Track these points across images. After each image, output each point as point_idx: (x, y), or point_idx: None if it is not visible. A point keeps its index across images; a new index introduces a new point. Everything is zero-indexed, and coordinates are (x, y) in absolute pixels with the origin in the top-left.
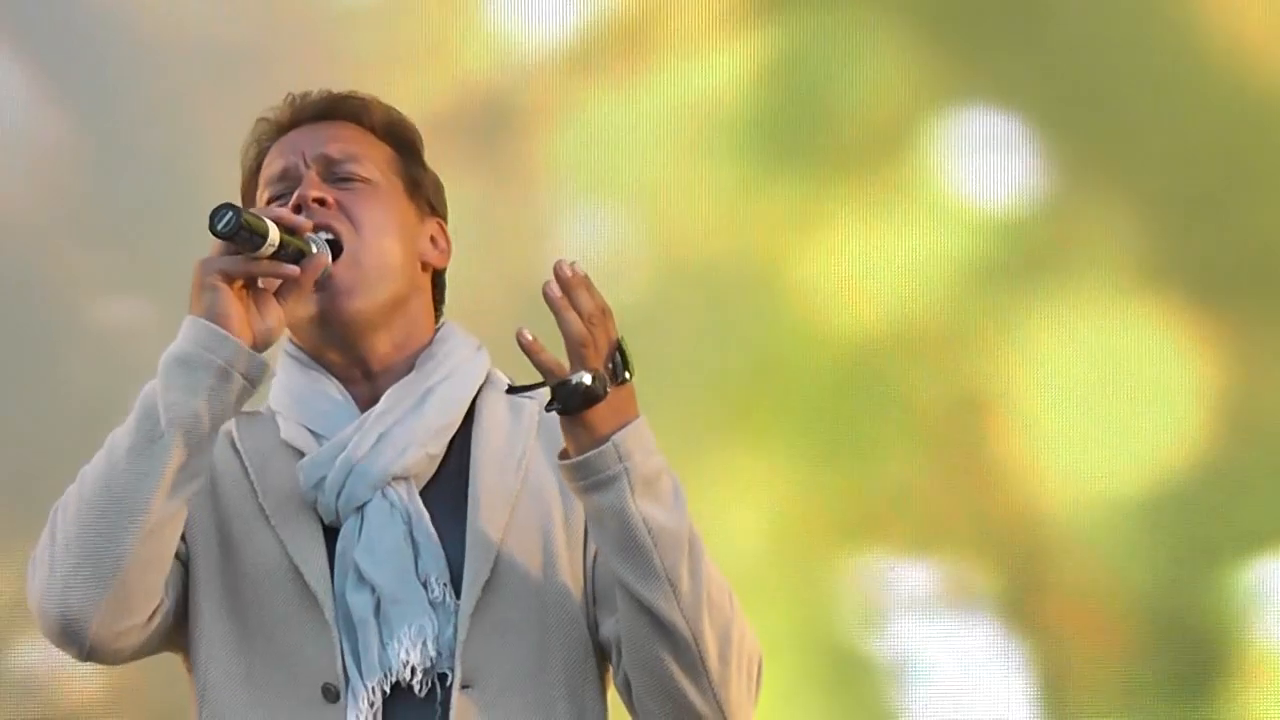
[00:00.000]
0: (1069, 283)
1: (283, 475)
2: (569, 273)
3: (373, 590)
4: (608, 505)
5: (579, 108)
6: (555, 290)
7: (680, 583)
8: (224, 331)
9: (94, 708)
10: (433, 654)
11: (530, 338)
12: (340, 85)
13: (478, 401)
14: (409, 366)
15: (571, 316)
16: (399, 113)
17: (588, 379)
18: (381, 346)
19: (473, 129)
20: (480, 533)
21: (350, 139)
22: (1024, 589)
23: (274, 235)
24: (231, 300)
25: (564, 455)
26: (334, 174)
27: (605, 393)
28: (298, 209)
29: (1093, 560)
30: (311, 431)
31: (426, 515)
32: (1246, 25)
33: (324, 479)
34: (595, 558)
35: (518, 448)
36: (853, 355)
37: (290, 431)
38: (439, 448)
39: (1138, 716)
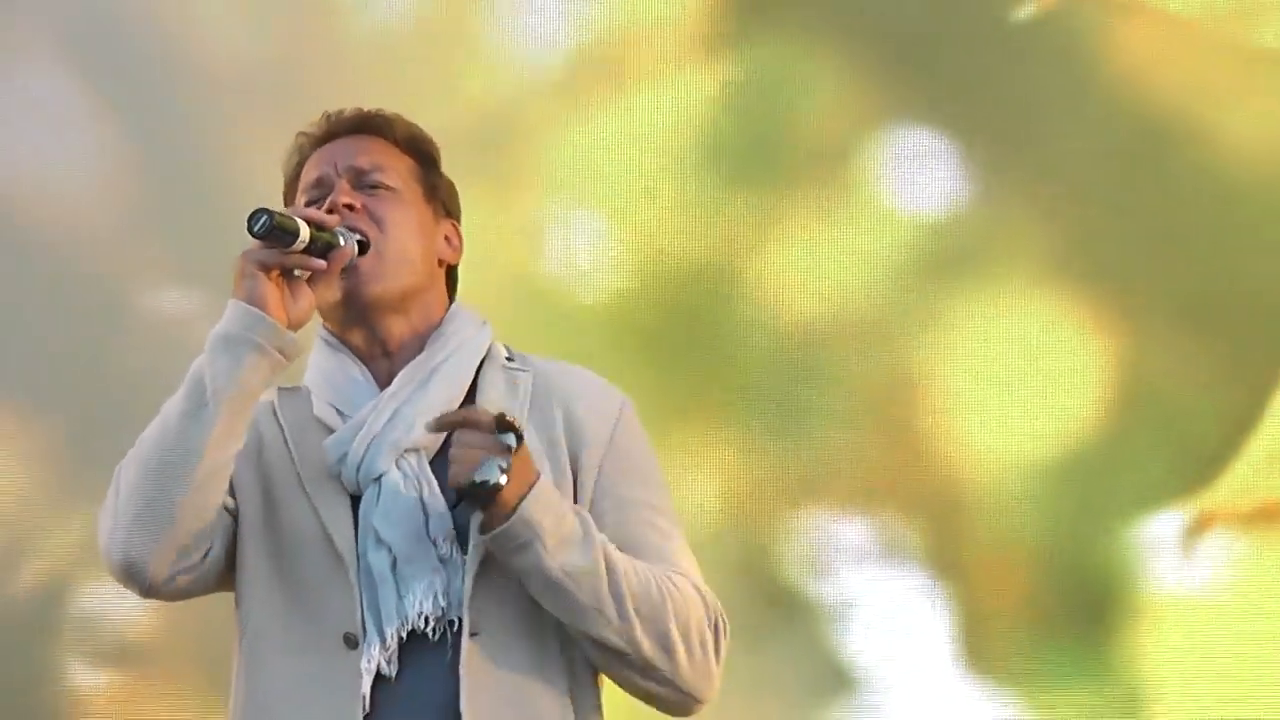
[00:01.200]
0: (986, 278)
1: (316, 447)
2: (433, 429)
3: (389, 550)
4: (529, 565)
5: (566, 127)
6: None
7: (606, 609)
8: (261, 313)
9: (149, 642)
10: (443, 604)
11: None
12: (358, 104)
13: (480, 375)
14: (421, 346)
15: (451, 460)
16: (419, 128)
17: (499, 477)
18: (397, 330)
19: (473, 143)
20: None
21: (377, 152)
22: (947, 542)
23: (305, 233)
24: (268, 286)
25: (483, 528)
26: (363, 182)
27: (506, 478)
28: (330, 212)
29: (1006, 517)
30: (337, 409)
31: (435, 482)
32: (1140, 53)
33: (346, 455)
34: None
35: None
36: (800, 341)
37: (321, 408)
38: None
39: (1043, 651)
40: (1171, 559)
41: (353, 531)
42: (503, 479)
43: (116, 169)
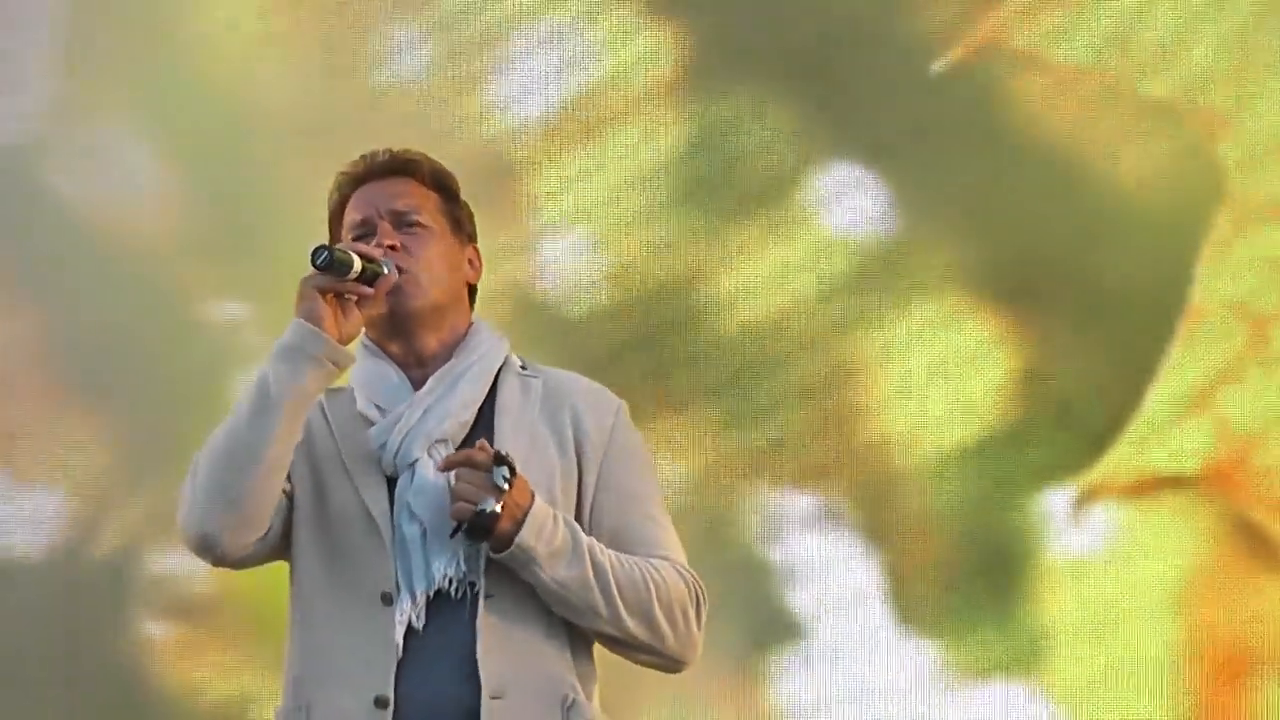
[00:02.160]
0: (908, 289)
1: (358, 438)
2: (442, 468)
3: (420, 524)
4: (530, 578)
5: (556, 162)
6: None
7: (597, 606)
8: (318, 329)
9: (209, 598)
10: (464, 569)
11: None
12: (384, 144)
13: (498, 379)
14: (449, 355)
15: (455, 494)
16: (442, 165)
17: (491, 507)
18: (430, 341)
19: (479, 178)
20: None
21: (410, 193)
22: (879, 512)
23: (357, 265)
24: (324, 307)
25: (494, 549)
26: (401, 222)
27: (499, 512)
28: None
29: (928, 491)
30: (377, 406)
31: None
32: (1039, 98)
33: (386, 443)
34: (591, 507)
35: (527, 418)
36: (753, 343)
37: (363, 405)
38: (469, 416)
39: (958, 605)
40: (1064, 527)
41: (389, 508)
42: (498, 508)
43: (182, 202)
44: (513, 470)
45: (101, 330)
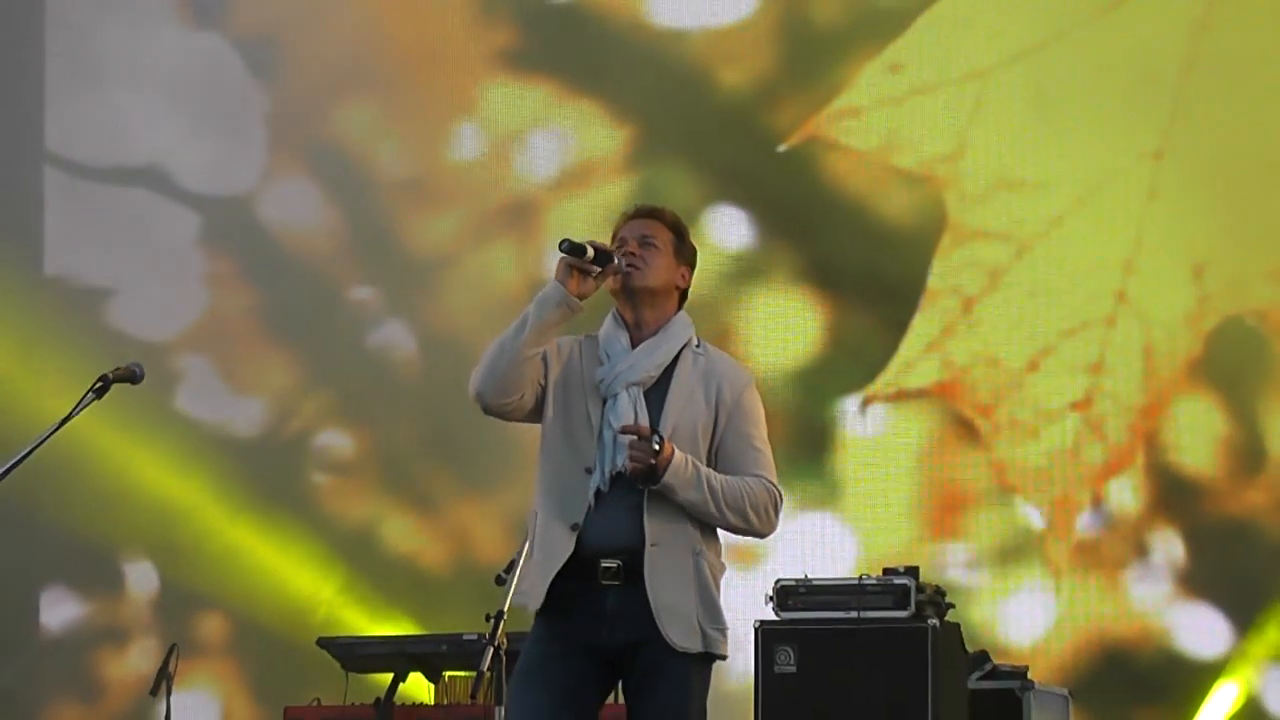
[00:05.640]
0: (764, 283)
1: (592, 372)
2: (622, 431)
3: (613, 431)
4: (672, 498)
5: (556, 208)
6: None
7: (711, 512)
8: (563, 287)
9: (353, 460)
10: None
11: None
12: (454, 192)
13: (680, 355)
14: (657, 330)
15: (629, 458)
16: (679, 217)
17: (651, 461)
18: (647, 314)
19: (510, 215)
20: (669, 415)
21: (653, 228)
22: None
23: (590, 252)
24: (570, 275)
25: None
26: (643, 241)
27: (656, 465)
28: (621, 249)
29: (773, 398)
30: (607, 354)
31: (644, 403)
32: (841, 167)
33: (603, 380)
34: (719, 440)
35: (691, 383)
36: None
37: (600, 353)
38: (656, 373)
39: (791, 466)
40: (854, 419)
41: (600, 419)
42: (655, 461)
43: (336, 225)
44: (661, 438)
45: (287, 302)
